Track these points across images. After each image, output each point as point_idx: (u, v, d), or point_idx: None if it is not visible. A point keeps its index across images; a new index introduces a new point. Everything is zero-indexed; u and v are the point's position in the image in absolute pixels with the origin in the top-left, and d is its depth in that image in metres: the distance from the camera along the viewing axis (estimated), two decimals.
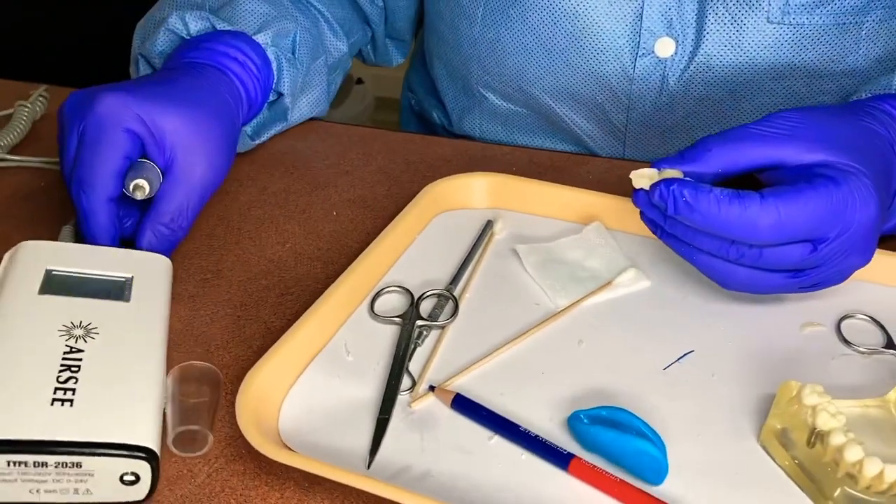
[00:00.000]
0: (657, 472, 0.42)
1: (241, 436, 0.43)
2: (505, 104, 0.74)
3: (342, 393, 0.47)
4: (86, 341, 0.44)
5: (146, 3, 0.70)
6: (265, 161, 0.69)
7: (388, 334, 0.51)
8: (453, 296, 0.53)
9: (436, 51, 0.78)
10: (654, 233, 0.50)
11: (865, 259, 0.48)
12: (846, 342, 0.51)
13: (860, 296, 0.53)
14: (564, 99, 0.71)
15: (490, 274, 0.56)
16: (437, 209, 0.61)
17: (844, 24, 0.62)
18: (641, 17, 0.65)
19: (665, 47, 0.66)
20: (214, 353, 0.51)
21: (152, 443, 0.40)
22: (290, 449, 0.43)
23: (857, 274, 0.50)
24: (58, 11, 1.31)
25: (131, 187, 0.53)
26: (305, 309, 0.50)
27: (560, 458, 0.42)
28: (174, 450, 0.44)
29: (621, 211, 0.60)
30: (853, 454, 0.39)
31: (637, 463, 0.42)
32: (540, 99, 0.72)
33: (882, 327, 0.51)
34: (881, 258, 0.52)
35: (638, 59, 0.66)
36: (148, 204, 0.55)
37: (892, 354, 0.50)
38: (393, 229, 0.57)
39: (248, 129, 0.68)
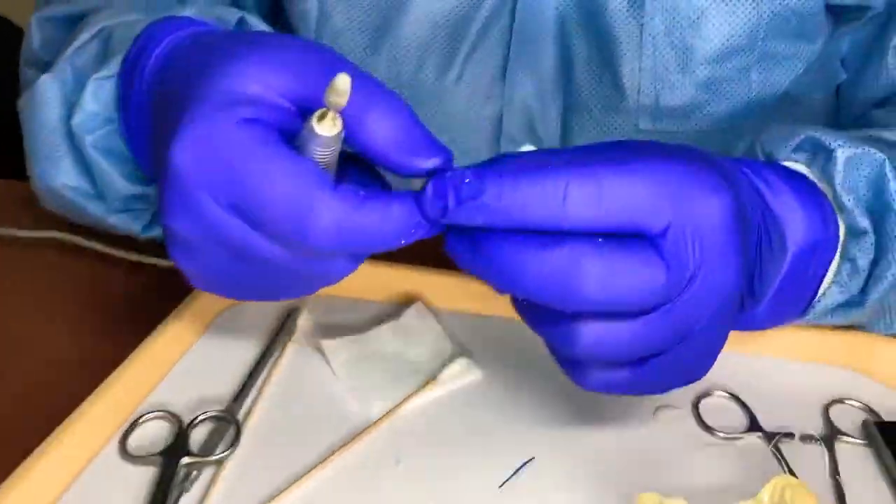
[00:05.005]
0: None
1: None
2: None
3: None
4: None
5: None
6: None
7: (145, 480, 0.39)
8: (235, 418, 0.42)
9: None
10: (467, 267, 0.34)
11: (729, 274, 0.33)
12: (706, 427, 0.43)
13: (716, 368, 0.46)
14: None
15: (289, 381, 0.46)
16: (226, 300, 0.50)
17: (723, 128, 0.56)
18: (501, 122, 0.57)
19: None
20: None
21: None
22: None
23: None
24: None
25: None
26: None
27: None
28: None
29: (446, 286, 0.51)
30: None
31: None
32: None
33: (744, 405, 0.44)
34: None
35: None
36: None
37: (758, 437, 0.43)
38: (164, 331, 0.45)
39: None
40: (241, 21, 0.47)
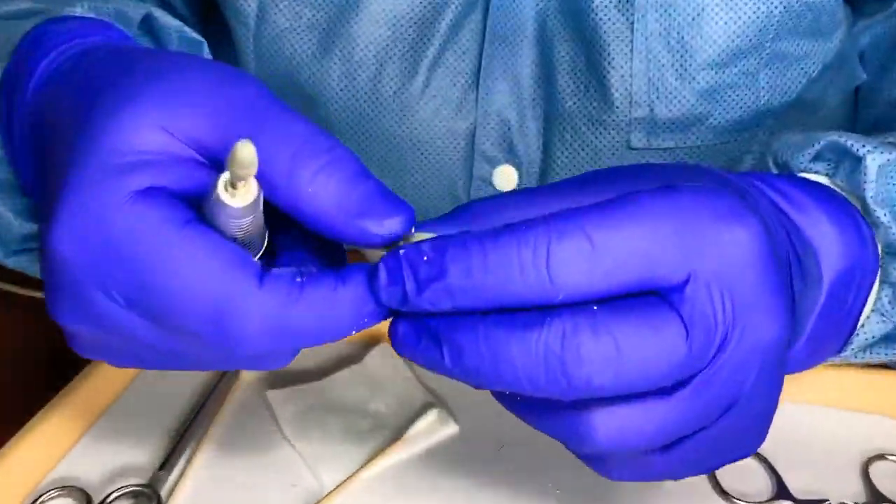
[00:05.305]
0: None
1: None
2: None
3: None
4: None
5: None
6: None
7: None
8: (157, 493, 0.35)
9: None
10: (427, 364, 0.27)
11: (773, 321, 0.27)
12: (724, 494, 0.36)
13: None
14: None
15: (227, 444, 0.39)
16: None
17: (727, 142, 0.49)
18: (474, 138, 0.49)
19: (505, 178, 0.50)
20: None
21: None
22: None
23: None
24: None
25: None
26: None
27: None
28: None
29: None
30: None
31: None
32: None
33: (769, 465, 0.37)
34: None
35: (472, 193, 0.50)
36: None
37: None
38: (74, 389, 0.38)
39: None
40: (146, 18, 0.39)
